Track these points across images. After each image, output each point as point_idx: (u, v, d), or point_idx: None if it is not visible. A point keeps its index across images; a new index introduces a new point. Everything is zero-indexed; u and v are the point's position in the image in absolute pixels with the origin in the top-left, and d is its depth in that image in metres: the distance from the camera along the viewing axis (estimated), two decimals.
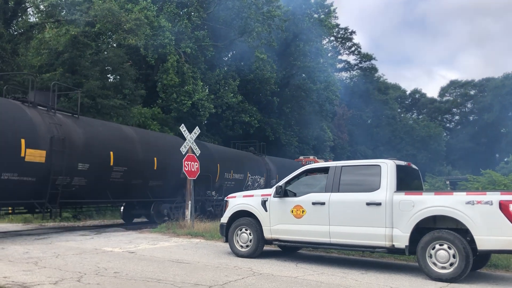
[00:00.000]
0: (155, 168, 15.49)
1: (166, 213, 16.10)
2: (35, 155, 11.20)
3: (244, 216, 9.28)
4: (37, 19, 25.28)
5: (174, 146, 15.93)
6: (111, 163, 13.59)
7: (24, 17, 24.94)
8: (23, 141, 10.91)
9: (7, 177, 10.60)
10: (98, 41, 25.74)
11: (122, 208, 17.00)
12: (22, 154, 10.84)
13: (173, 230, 13.34)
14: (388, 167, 7.93)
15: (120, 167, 13.96)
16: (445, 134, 71.43)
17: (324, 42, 49.87)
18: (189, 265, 7.87)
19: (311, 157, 30.24)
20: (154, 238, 11.94)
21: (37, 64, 22.20)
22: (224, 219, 9.55)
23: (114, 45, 26.49)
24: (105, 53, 25.14)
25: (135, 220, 17.08)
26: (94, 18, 22.02)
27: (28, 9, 25.23)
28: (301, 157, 30.93)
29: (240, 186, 20.63)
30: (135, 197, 15.44)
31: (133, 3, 25.02)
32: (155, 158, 15.55)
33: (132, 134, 15.29)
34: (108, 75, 26.88)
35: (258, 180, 22.79)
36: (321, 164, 9.22)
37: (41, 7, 24.66)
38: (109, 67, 25.64)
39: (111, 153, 13.63)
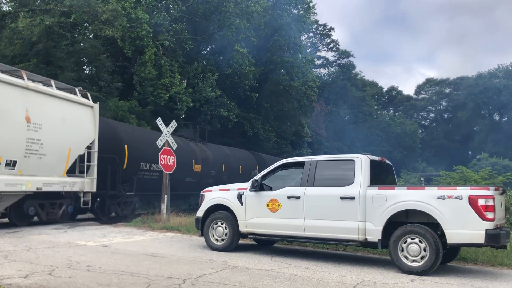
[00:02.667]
0: (240, 172, 23.88)
1: None
2: (197, 168, 20.27)
3: (220, 210, 9.28)
4: (10, 8, 24.63)
5: (247, 158, 26.64)
6: (223, 170, 22.77)
7: None
8: (193, 160, 20.03)
9: (188, 180, 19.66)
10: (74, 32, 25.27)
11: None
12: (193, 168, 19.89)
13: (148, 224, 13.25)
14: (362, 162, 8.03)
15: (227, 172, 22.91)
16: (420, 131, 72.59)
17: (303, 38, 50.08)
18: (163, 259, 7.84)
19: None
20: (128, 232, 11.84)
21: (10, 54, 21.66)
22: (200, 213, 9.54)
23: (91, 36, 26.03)
24: (81, 44, 24.69)
25: None
26: (70, 8, 21.60)
27: None
28: None
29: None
30: None
31: None
32: (240, 166, 24.56)
33: (227, 152, 24.68)
34: (83, 67, 26.42)
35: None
36: (297, 158, 9.27)
37: None
38: (84, 59, 25.22)
39: (223, 164, 22.85)
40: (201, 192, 9.96)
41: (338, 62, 62.61)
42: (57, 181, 12.79)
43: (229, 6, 27.22)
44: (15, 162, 11.38)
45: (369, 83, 72.25)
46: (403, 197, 7.43)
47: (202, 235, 9.42)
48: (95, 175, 14.17)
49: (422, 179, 46.62)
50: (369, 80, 74.41)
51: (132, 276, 6.32)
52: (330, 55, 62.45)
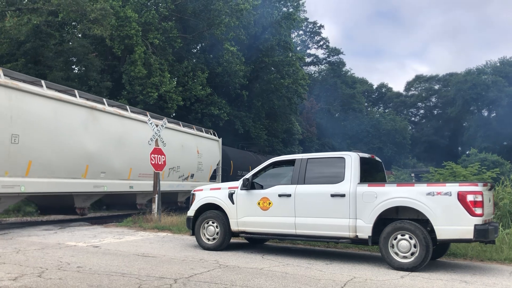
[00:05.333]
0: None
1: None
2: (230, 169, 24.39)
3: (211, 209, 9.27)
4: None
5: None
6: (250, 169, 21.51)
7: None
8: (231, 162, 24.51)
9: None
10: (62, 31, 25.03)
11: None
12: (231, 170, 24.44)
13: (139, 224, 13.20)
14: (352, 159, 8.07)
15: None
16: (410, 127, 73.09)
17: (293, 36, 50.14)
18: (154, 259, 7.82)
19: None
20: (120, 232, 11.78)
21: None
22: (191, 212, 9.52)
23: (79, 35, 25.82)
24: (70, 43, 24.46)
25: None
26: (58, 7, 21.40)
27: None
28: None
29: None
30: None
31: None
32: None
33: (252, 156, 27.81)
34: (72, 66, 26.18)
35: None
36: (288, 156, 9.28)
37: None
38: (73, 58, 24.98)
39: (249, 167, 23.52)
40: (192, 191, 9.94)
41: (328, 59, 62.79)
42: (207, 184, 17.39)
43: (218, 4, 27.15)
44: (193, 174, 20.08)
45: (359, 80, 72.59)
46: (393, 194, 7.47)
47: (193, 234, 9.40)
48: (220, 180, 21.94)
49: (412, 175, 47.00)
50: (359, 77, 74.83)
51: (123, 277, 6.29)
52: (320, 53, 62.69)
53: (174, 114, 28.58)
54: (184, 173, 19.08)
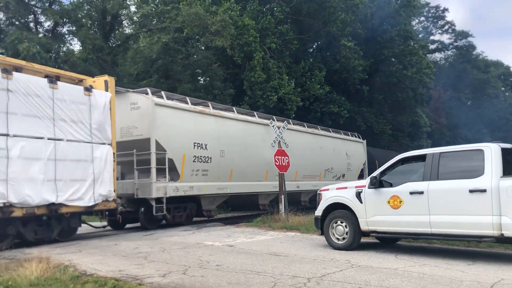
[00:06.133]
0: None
1: None
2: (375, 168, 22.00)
3: (338, 209, 9.19)
4: (131, 30, 27.09)
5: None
6: (377, 166, 23.24)
7: (120, 29, 26.86)
8: (376, 161, 25.11)
9: None
10: (187, 45, 26.93)
11: None
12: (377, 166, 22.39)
13: (268, 224, 13.59)
14: (492, 151, 7.38)
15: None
16: None
17: (414, 23, 47.50)
18: (286, 258, 7.99)
19: None
20: (251, 232, 12.26)
21: (134, 72, 23.80)
22: (318, 212, 9.53)
23: (202, 48, 27.53)
24: (195, 56, 26.24)
25: None
26: (182, 23, 23.09)
27: (124, 22, 27.12)
28: None
29: None
30: None
31: (217, 5, 25.80)
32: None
33: (395, 154, 30.77)
34: (198, 78, 28.02)
35: None
36: (417, 151, 8.82)
37: (135, 18, 26.39)
38: (199, 70, 26.74)
39: (376, 161, 25.50)
40: (318, 191, 9.96)
41: (455, 44, 58.25)
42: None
43: (333, 1, 26.90)
44: (344, 174, 22.53)
45: (493, 63, 65.98)
46: None
47: (322, 234, 9.40)
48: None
49: None
50: (493, 60, 67.95)
51: (258, 275, 6.55)
52: (445, 38, 58.47)
53: (293, 115, 28.98)
54: (336, 173, 22.07)
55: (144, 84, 22.05)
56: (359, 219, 8.76)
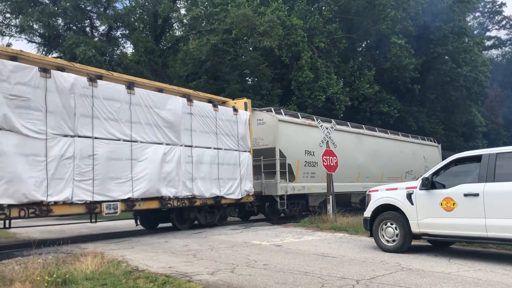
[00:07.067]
0: None
1: None
2: None
3: (388, 210, 9.00)
4: (181, 33, 27.72)
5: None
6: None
7: (170, 32, 27.56)
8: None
9: None
10: (236, 46, 27.22)
11: None
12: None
13: (316, 224, 13.50)
14: None
15: None
16: None
17: (469, 19, 45.67)
18: (334, 259, 7.92)
19: None
20: (298, 232, 12.23)
21: (184, 74, 24.35)
22: (368, 213, 9.37)
23: (250, 48, 27.74)
24: (243, 57, 26.48)
25: None
26: (231, 25, 23.36)
27: (174, 25, 27.80)
28: None
29: None
30: None
31: (265, 6, 25.91)
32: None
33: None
34: (246, 78, 28.26)
35: None
36: (472, 152, 8.47)
37: (185, 21, 26.97)
38: (247, 71, 26.97)
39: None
40: (367, 192, 9.79)
41: None
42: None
43: None
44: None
45: None
46: None
47: (371, 235, 9.24)
48: None
49: None
50: None
51: (305, 275, 6.53)
52: (502, 34, 55.86)
53: (342, 115, 28.63)
54: (415, 175, 22.52)
55: (193, 85, 22.53)
56: (409, 221, 8.54)
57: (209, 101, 14.04)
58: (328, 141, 14.66)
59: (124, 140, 10.88)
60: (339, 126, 18.94)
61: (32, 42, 26.20)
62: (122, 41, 26.90)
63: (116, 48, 25.09)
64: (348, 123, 20.39)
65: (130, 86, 11.21)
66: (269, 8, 25.23)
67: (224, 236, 11.50)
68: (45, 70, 9.38)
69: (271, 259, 7.86)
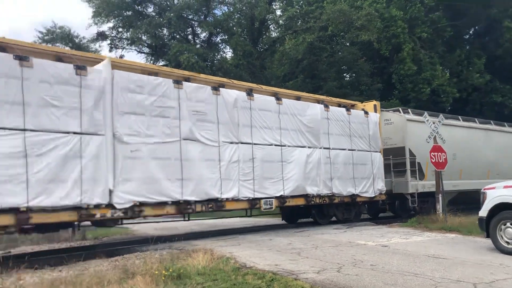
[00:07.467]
0: None
1: None
2: None
3: (507, 209, 8.29)
4: (278, 34, 28.05)
5: None
6: None
7: (267, 34, 28.02)
8: None
9: None
10: (332, 43, 26.89)
11: None
12: None
13: (424, 224, 12.88)
14: None
15: None
16: None
17: None
18: (446, 261, 7.49)
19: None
20: (405, 233, 11.76)
21: (281, 74, 24.62)
22: (483, 212, 8.71)
23: (347, 44, 27.22)
24: (339, 53, 26.07)
25: None
26: (327, 22, 23.13)
27: (270, 26, 28.22)
28: None
29: None
30: None
31: (362, 0, 25.25)
32: None
33: None
34: (344, 74, 27.77)
35: None
36: None
37: (280, 22, 27.26)
38: (344, 67, 26.51)
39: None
40: (482, 190, 9.11)
41: None
42: None
43: None
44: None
45: None
46: None
47: (487, 236, 8.58)
48: None
49: None
50: None
51: (416, 277, 6.26)
52: None
53: (449, 108, 26.90)
54: None
55: (290, 85, 22.69)
56: None
57: (339, 105, 14.93)
58: (435, 136, 13.88)
59: (275, 145, 12.30)
60: (465, 122, 19.07)
61: (141, 52, 28.33)
62: (222, 46, 27.95)
63: (216, 54, 26.13)
64: (476, 119, 20.13)
65: (278, 97, 12.64)
66: (366, 1, 24.54)
67: (327, 235, 11.43)
68: (215, 89, 11.06)
69: (378, 260, 7.65)
